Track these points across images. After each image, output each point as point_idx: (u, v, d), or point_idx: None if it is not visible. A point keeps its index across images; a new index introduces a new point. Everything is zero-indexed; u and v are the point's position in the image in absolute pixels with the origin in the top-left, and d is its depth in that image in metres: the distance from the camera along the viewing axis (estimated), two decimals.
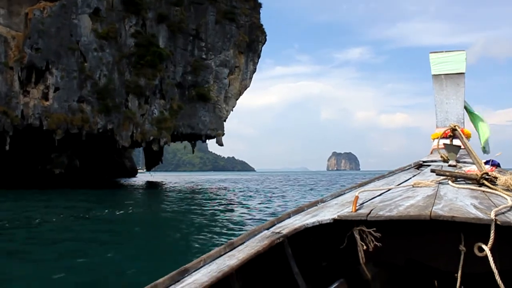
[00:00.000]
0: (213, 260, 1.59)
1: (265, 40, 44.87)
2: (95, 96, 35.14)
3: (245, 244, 1.74)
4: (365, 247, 1.86)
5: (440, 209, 1.70)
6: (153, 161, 55.39)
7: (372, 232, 1.82)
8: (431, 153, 3.88)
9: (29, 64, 32.39)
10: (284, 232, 1.83)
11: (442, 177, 2.42)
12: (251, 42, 43.71)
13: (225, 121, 43.23)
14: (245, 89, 44.47)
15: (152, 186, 43.06)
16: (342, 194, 2.53)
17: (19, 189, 29.85)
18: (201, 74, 40.71)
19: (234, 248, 1.70)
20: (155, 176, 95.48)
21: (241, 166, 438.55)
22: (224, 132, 42.10)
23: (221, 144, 41.85)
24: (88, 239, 9.81)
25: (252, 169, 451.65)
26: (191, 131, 39.62)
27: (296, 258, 1.87)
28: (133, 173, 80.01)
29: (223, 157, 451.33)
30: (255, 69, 44.88)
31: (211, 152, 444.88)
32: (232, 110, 43.96)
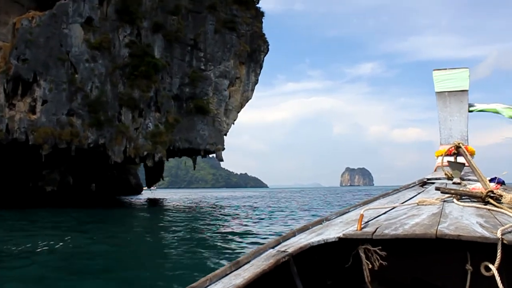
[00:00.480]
0: (219, 279, 1.60)
1: (267, 50, 42.69)
2: (86, 109, 33.13)
3: (250, 263, 1.75)
4: (370, 266, 1.83)
5: (446, 228, 1.69)
6: (153, 178, 53.03)
7: (378, 251, 1.79)
8: (435, 170, 3.83)
9: (15, 76, 30.56)
10: (290, 250, 1.83)
11: (446, 195, 2.38)
12: (253, 52, 41.57)
13: (225, 135, 40.88)
14: (247, 101, 42.16)
15: (152, 204, 40.60)
16: (347, 212, 2.53)
17: (3, 209, 27.70)
18: (200, 86, 38.58)
19: (240, 267, 1.71)
20: (160, 193, 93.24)
21: (254, 183, 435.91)
22: (224, 147, 39.73)
23: (220, 160, 39.45)
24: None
25: (265, 186, 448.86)
26: (189, 146, 37.31)
27: (302, 277, 1.88)
28: (138, 190, 77.94)
29: (236, 174, 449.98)
30: (257, 80, 42.64)
31: (224, 168, 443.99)
32: (233, 124, 41.63)
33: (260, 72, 42.73)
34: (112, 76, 34.87)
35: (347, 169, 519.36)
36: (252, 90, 42.32)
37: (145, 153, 34.39)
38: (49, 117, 31.56)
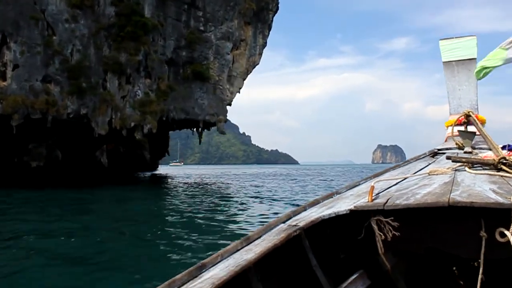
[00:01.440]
0: (230, 254, 1.57)
1: (277, 8, 37.16)
2: (65, 75, 28.93)
3: (262, 238, 1.71)
4: (383, 237, 1.81)
5: (458, 195, 1.66)
6: (158, 153, 48.95)
7: (390, 222, 1.76)
8: (446, 140, 3.79)
9: None
10: (301, 224, 1.80)
11: (458, 164, 2.35)
12: (259, 10, 36.15)
13: (229, 104, 35.99)
14: (254, 67, 36.97)
15: (158, 182, 36.37)
16: (357, 185, 2.50)
17: None
18: (198, 49, 33.66)
19: (251, 242, 1.68)
20: (183, 169, 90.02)
21: (285, 159, 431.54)
22: (227, 118, 34.90)
23: (222, 132, 34.74)
24: None
25: (296, 162, 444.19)
26: (186, 117, 32.71)
27: (314, 251, 1.84)
28: (154, 166, 74.63)
29: (267, 150, 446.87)
30: (265, 43, 37.27)
31: (255, 145, 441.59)
32: (239, 92, 36.63)
33: (268, 33, 37.34)
34: (95, 38, 30.41)
35: (379, 146, 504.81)
36: (260, 54, 37.03)
37: (132, 124, 30.03)
38: (21, 83, 27.50)
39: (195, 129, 37.80)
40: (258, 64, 36.91)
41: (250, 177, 43.65)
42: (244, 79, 36.53)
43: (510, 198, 1.55)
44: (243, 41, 35.77)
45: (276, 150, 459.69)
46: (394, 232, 1.75)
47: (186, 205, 15.42)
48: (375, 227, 1.82)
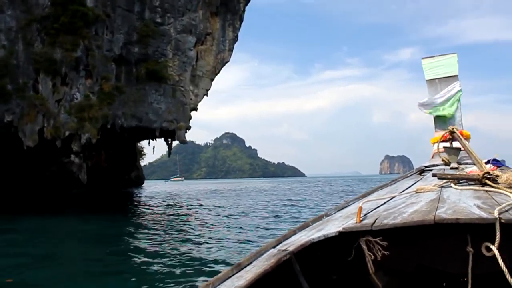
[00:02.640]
0: (221, 282, 1.56)
1: None
2: None
3: (252, 264, 1.71)
4: (373, 256, 1.81)
5: (444, 212, 1.65)
6: (124, 167, 43.36)
7: (379, 241, 1.77)
8: (432, 157, 3.81)
9: None
10: (291, 249, 1.78)
11: (444, 181, 2.38)
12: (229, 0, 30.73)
13: (195, 109, 30.38)
14: (223, 65, 31.41)
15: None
16: (346, 206, 2.49)
17: None
18: (153, 44, 28.20)
19: (242, 269, 1.68)
20: (180, 185, 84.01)
21: (292, 172, 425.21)
22: (190, 125, 29.21)
23: (183, 142, 28.98)
24: None
25: (303, 174, 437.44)
26: (137, 124, 27.09)
27: (305, 274, 1.84)
28: (139, 182, 68.94)
29: (273, 163, 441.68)
30: (237, 37, 31.73)
31: (261, 158, 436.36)
32: (207, 95, 31.02)
33: (240, 26, 31.79)
34: (25, 31, 25.13)
35: (387, 156, 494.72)
36: (230, 50, 31.45)
37: (67, 133, 24.46)
38: None
39: (160, 139, 31.95)
40: (228, 61, 31.34)
41: (233, 195, 37.76)
42: (212, 80, 30.93)
43: (493, 213, 1.54)
44: (210, 35, 30.27)
45: (283, 162, 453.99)
46: (384, 252, 1.75)
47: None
48: (365, 247, 1.81)
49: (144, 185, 74.37)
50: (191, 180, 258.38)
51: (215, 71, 30.87)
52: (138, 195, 35.35)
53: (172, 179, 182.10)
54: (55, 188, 38.41)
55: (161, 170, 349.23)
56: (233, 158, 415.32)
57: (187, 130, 28.87)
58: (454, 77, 4.08)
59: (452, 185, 2.24)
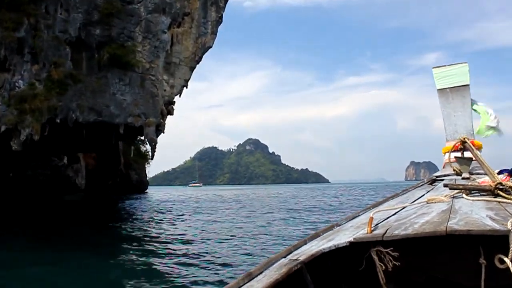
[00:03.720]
0: None
1: None
2: None
3: (263, 273, 1.67)
4: (384, 267, 1.76)
5: (456, 224, 1.63)
6: (107, 170, 38.91)
7: (390, 252, 1.72)
8: (444, 167, 3.74)
9: None
10: (302, 258, 1.76)
11: (456, 191, 2.32)
12: None
13: (170, 103, 25.48)
14: (205, 50, 26.40)
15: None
16: (357, 216, 2.44)
17: None
18: (119, 25, 23.48)
19: (252, 278, 1.64)
20: (190, 192, 79.16)
21: (315, 178, 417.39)
22: (162, 120, 24.25)
23: (153, 142, 24.01)
24: None
25: (326, 181, 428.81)
26: (96, 118, 22.32)
27: (316, 284, 1.81)
28: (142, 187, 64.37)
29: (297, 169, 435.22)
30: (221, 18, 26.71)
31: (284, 164, 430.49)
32: (186, 86, 26.07)
33: (224, 5, 26.74)
34: None
35: (412, 163, 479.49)
36: (213, 34, 26.42)
37: (3, 127, 19.89)
38: None
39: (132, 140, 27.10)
40: (210, 47, 26.32)
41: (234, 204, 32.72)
42: (192, 68, 25.97)
43: (507, 225, 1.50)
44: (188, 15, 25.38)
45: (306, 169, 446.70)
46: (395, 262, 1.71)
47: None
48: (376, 258, 1.77)
49: (148, 191, 70.22)
50: (213, 186, 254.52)
51: (195, 58, 25.89)
52: (126, 205, 30.58)
53: (190, 185, 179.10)
54: (48, 194, 34.34)
55: (184, 176, 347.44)
56: (256, 164, 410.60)
57: (160, 129, 23.89)
58: (465, 87, 3.99)
59: (464, 195, 2.21)
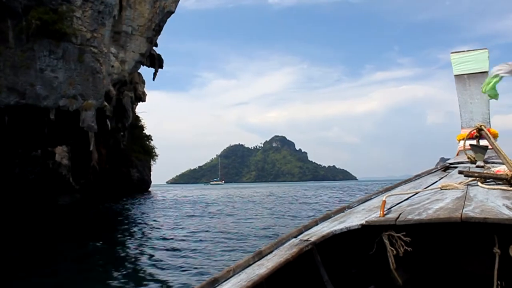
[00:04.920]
0: (242, 269, 1.54)
1: None
2: None
3: (273, 252, 1.68)
4: (395, 252, 1.71)
5: (471, 211, 1.58)
6: (80, 167, 33.93)
7: (402, 237, 1.67)
8: (457, 154, 3.66)
9: None
10: (312, 239, 1.75)
11: (470, 179, 2.24)
12: None
13: (122, 83, 20.21)
14: (166, 17, 20.96)
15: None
16: (369, 200, 2.40)
17: None
18: None
19: (263, 257, 1.65)
20: (215, 190, 72.93)
21: (343, 175, 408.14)
22: (105, 102, 18.99)
23: (90, 128, 18.79)
24: None
25: (354, 178, 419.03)
26: (18, 101, 17.30)
27: (326, 265, 1.80)
28: (143, 186, 59.36)
29: (324, 166, 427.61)
30: None
31: (311, 161, 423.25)
32: (142, 63, 20.76)
33: None
34: None
35: (442, 159, 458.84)
36: None
37: None
38: None
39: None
40: (172, 12, 20.83)
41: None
42: (150, 39, 20.58)
43: None
44: None
45: (334, 166, 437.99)
46: (406, 248, 1.65)
47: None
48: (387, 242, 1.71)
49: (153, 190, 65.56)
50: (235, 184, 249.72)
51: (153, 26, 20.48)
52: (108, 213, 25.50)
53: (212, 183, 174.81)
54: (39, 196, 30.02)
55: (211, 173, 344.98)
56: (282, 161, 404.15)
57: (102, 109, 18.63)
58: (484, 74, 3.78)
59: (479, 183, 2.13)
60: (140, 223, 13.91)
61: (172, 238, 10.39)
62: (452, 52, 4.03)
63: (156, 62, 26.22)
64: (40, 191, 31.16)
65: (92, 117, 18.20)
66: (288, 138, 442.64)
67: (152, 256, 8.26)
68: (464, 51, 3.97)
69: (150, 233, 11.44)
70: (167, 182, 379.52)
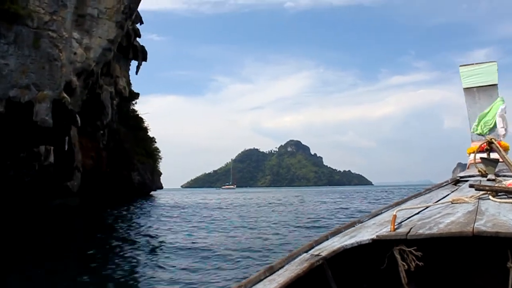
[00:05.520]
0: (253, 285, 1.54)
1: None
2: None
3: (284, 267, 1.67)
4: (406, 267, 1.67)
5: (483, 225, 1.55)
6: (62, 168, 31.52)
7: (413, 251, 1.64)
8: (468, 168, 3.62)
9: None
10: (323, 254, 1.74)
11: (481, 192, 2.19)
12: None
13: (88, 73, 17.78)
14: (137, 2, 18.52)
15: None
16: (379, 214, 2.36)
17: None
18: None
19: (274, 272, 1.64)
20: (216, 195, 68.98)
21: (358, 180, 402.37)
22: (64, 93, 16.57)
23: (44, 122, 16.37)
24: None
25: (370, 183, 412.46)
26: None
27: (337, 280, 1.77)
28: (144, 190, 56.66)
29: (339, 171, 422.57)
30: None
31: (326, 166, 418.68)
32: (111, 50, 18.34)
33: None
34: None
35: (459, 164, 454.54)
36: None
37: None
38: None
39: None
40: None
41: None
42: (119, 24, 18.14)
43: None
44: None
45: (349, 171, 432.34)
46: (418, 262, 1.62)
47: None
48: (398, 256, 1.68)
49: (158, 194, 63.13)
50: (249, 188, 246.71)
51: (122, 9, 18.03)
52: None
53: (223, 187, 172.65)
54: (34, 199, 28.03)
55: (225, 177, 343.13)
56: (297, 166, 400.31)
57: (72, 107, 16.20)
58: (493, 86, 3.85)
59: (490, 197, 2.09)
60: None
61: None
62: (461, 66, 4.01)
63: (139, 54, 23.89)
64: (35, 194, 29.07)
65: (47, 110, 15.81)
66: (303, 143, 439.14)
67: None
68: (473, 64, 3.96)
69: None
70: (181, 186, 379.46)
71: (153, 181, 65.08)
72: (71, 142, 28.78)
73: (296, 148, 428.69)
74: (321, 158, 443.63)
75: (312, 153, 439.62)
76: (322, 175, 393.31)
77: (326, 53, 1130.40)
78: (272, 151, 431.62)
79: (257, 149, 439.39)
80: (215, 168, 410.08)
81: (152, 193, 66.42)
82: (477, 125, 3.65)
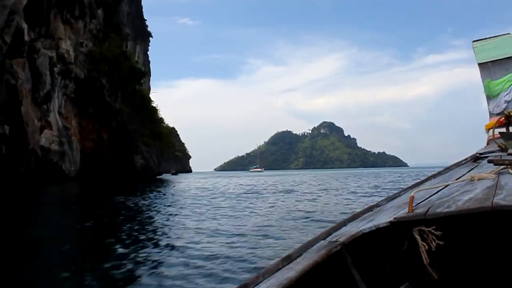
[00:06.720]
0: (272, 274, 1.53)
1: None
2: None
3: (302, 256, 1.67)
4: (427, 247, 1.63)
5: (502, 199, 1.49)
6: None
7: (433, 231, 1.61)
8: (487, 144, 3.56)
9: None
10: (341, 240, 1.72)
11: (501, 167, 2.14)
12: None
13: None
14: None
15: None
16: (397, 197, 2.39)
17: None
18: None
19: (292, 261, 1.64)
20: (239, 179, 63.97)
21: (393, 162, 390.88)
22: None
23: None
24: None
25: (405, 164, 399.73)
26: None
27: (357, 266, 1.72)
28: (148, 174, 54.36)
29: (373, 153, 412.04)
30: None
31: (360, 147, 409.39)
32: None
33: None
34: None
35: None
36: None
37: None
38: None
39: None
40: None
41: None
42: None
43: None
44: None
45: (384, 152, 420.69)
46: (438, 242, 1.60)
47: None
48: (418, 237, 1.64)
49: (175, 177, 60.75)
50: (285, 170, 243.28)
51: None
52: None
53: (251, 170, 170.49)
54: (29, 184, 26.71)
55: (257, 160, 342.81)
56: (331, 147, 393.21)
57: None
58: (509, 59, 3.68)
59: (510, 171, 2.05)
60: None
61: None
62: (474, 41, 3.91)
63: (86, 11, 20.74)
64: (32, 179, 27.41)
65: None
66: (336, 124, 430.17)
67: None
68: (486, 38, 3.82)
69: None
70: (214, 169, 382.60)
71: (159, 164, 63.09)
72: (23, 120, 26.25)
73: (329, 130, 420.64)
74: (355, 139, 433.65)
75: (346, 134, 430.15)
76: (356, 157, 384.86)
77: (359, 32, 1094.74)
78: (305, 133, 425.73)
79: (290, 131, 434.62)
80: (248, 151, 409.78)
81: (161, 177, 64.31)
82: (488, 85, 3.50)
